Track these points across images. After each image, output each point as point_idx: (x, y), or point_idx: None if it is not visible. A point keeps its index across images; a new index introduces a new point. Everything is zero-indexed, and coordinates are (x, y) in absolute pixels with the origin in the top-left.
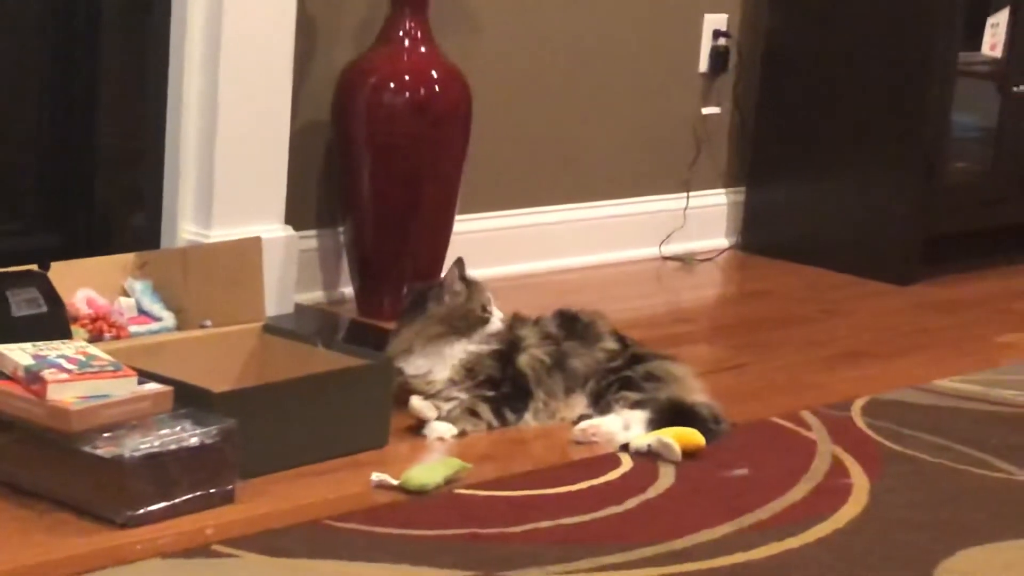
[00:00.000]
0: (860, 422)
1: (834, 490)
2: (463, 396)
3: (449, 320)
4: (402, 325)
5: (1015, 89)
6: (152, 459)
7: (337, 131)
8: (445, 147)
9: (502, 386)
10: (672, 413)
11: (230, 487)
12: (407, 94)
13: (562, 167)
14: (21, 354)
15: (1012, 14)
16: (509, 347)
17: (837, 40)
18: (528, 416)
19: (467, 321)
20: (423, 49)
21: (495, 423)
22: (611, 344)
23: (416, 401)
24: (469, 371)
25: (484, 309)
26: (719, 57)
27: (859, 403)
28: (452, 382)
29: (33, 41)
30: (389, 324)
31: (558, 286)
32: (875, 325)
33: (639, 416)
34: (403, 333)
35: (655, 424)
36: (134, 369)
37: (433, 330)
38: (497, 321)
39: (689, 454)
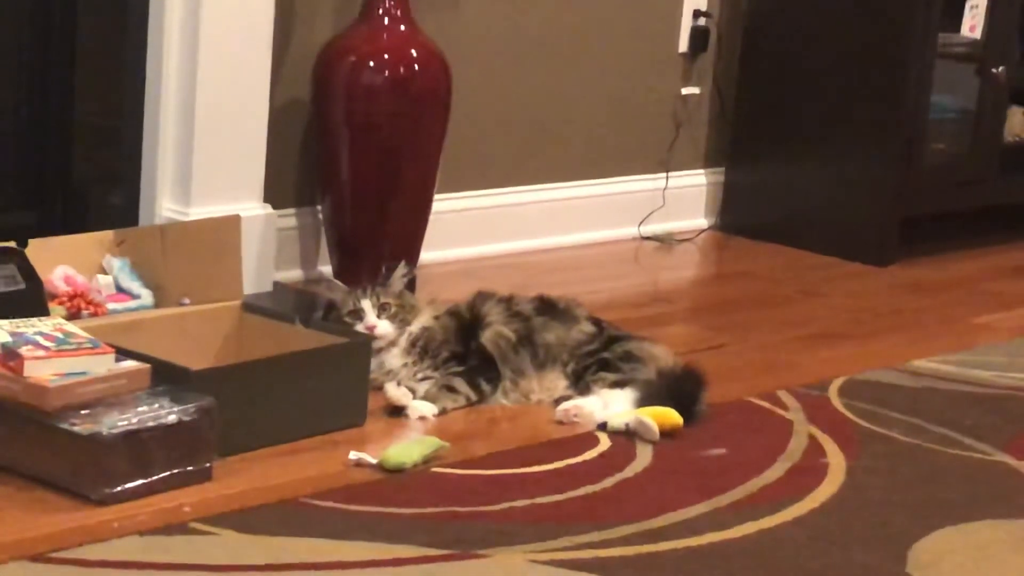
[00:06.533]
0: (837, 402)
1: (810, 470)
2: (435, 376)
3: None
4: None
5: (994, 71)
6: (130, 436)
7: (316, 110)
8: (424, 126)
9: (469, 360)
10: (671, 378)
11: (207, 465)
12: (386, 73)
13: (541, 147)
14: None
15: None
16: (471, 324)
17: (817, 20)
18: (499, 395)
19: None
20: (402, 28)
21: (473, 396)
22: (588, 327)
23: (391, 389)
24: (424, 350)
25: (353, 315)
26: (699, 37)
27: (836, 383)
28: (407, 365)
29: (10, 19)
30: None
31: (537, 266)
32: (852, 306)
33: (619, 396)
34: None
35: (645, 399)
36: (112, 346)
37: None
38: (362, 329)
39: (667, 433)
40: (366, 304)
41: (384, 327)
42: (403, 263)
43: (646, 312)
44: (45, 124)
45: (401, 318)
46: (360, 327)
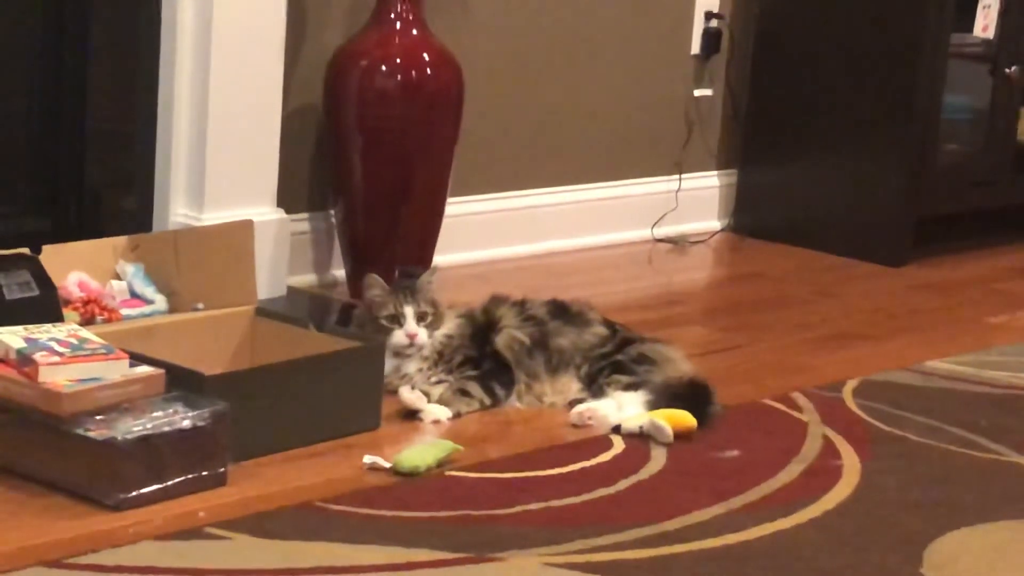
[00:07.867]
0: (851, 403)
1: (825, 471)
2: (450, 379)
3: (362, 325)
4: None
5: (1007, 71)
6: (144, 442)
7: (329, 114)
8: (436, 130)
9: (483, 364)
10: (678, 391)
11: (222, 470)
12: (398, 77)
13: (554, 149)
14: (13, 337)
15: None
16: (486, 327)
17: (829, 21)
18: (513, 398)
19: (374, 326)
20: (414, 32)
21: (487, 400)
22: (601, 330)
23: (406, 392)
24: (440, 354)
25: (392, 319)
26: (711, 39)
27: (850, 384)
28: (421, 370)
29: (23, 23)
30: None
31: (550, 269)
32: (866, 307)
33: (633, 398)
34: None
35: (655, 405)
36: (126, 352)
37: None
38: (402, 336)
39: (681, 436)
40: (408, 311)
41: (423, 336)
42: (430, 269)
43: (660, 314)
44: (58, 130)
45: (433, 325)
46: (399, 333)
